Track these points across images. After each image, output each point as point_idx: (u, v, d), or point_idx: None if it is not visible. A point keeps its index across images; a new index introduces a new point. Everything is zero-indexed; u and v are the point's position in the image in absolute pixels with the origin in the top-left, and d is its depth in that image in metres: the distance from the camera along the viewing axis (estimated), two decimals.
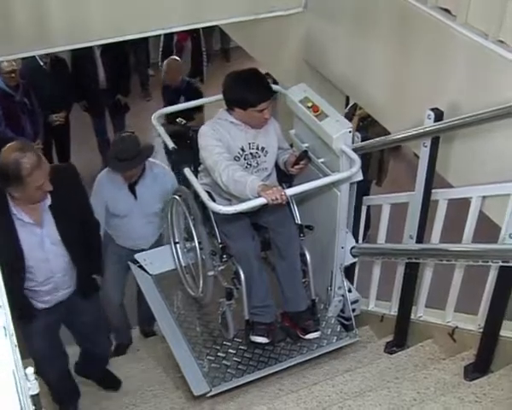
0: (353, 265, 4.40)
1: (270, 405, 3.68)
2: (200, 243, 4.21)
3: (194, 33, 9.35)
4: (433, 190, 3.71)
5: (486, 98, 3.27)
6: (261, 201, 3.57)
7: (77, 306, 3.94)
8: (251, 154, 3.97)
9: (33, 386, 1.47)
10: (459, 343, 3.79)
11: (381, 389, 3.59)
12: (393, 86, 3.98)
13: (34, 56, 6.74)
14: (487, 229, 3.53)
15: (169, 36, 9.23)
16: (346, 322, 4.40)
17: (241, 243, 4.00)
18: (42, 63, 7.18)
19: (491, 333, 3.44)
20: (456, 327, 3.82)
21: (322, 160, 4.03)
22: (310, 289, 4.20)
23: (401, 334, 4.10)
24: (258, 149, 3.99)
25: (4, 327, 1.32)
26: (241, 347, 4.25)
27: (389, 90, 4.04)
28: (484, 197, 3.49)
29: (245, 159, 3.96)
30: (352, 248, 4.25)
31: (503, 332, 3.46)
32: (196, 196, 4.07)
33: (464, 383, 3.47)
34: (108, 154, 4.82)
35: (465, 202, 3.62)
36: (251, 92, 3.81)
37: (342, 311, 4.42)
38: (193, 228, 4.24)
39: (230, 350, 4.25)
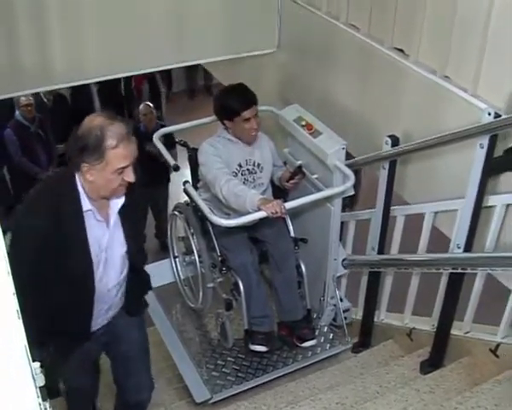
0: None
1: (250, 399, 3.80)
2: (199, 256, 4.16)
3: (150, 75, 8.96)
4: (392, 207, 3.85)
5: (436, 126, 3.41)
6: (262, 214, 3.51)
7: (123, 327, 3.08)
8: (248, 170, 3.93)
9: (39, 379, 1.40)
10: (416, 342, 3.93)
11: (348, 383, 3.70)
12: (356, 116, 4.09)
13: (38, 93, 6.86)
14: (442, 240, 3.66)
15: (128, 80, 9.02)
16: (337, 330, 4.36)
17: (240, 255, 3.94)
18: (45, 100, 7.33)
19: (443, 332, 3.58)
20: (414, 328, 3.96)
21: (315, 175, 4.02)
22: (305, 299, 4.16)
23: (366, 335, 4.21)
24: (254, 165, 3.95)
25: (17, 310, 1.31)
26: (239, 355, 4.20)
27: (353, 119, 4.15)
28: (435, 213, 3.65)
29: (242, 174, 3.91)
30: (344, 259, 4.22)
31: (453, 331, 3.60)
32: (196, 210, 4.04)
33: (420, 377, 3.60)
34: None
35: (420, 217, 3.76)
36: (233, 100, 3.78)
37: (334, 319, 4.40)
38: (192, 242, 4.19)
39: (229, 358, 4.19)
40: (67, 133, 6.96)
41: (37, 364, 1.41)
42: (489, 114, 3.02)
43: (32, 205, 2.66)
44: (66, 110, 7.70)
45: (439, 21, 3.42)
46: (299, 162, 4.05)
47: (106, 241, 2.74)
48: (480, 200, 3.22)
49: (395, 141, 3.59)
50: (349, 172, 3.74)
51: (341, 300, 4.33)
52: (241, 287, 3.90)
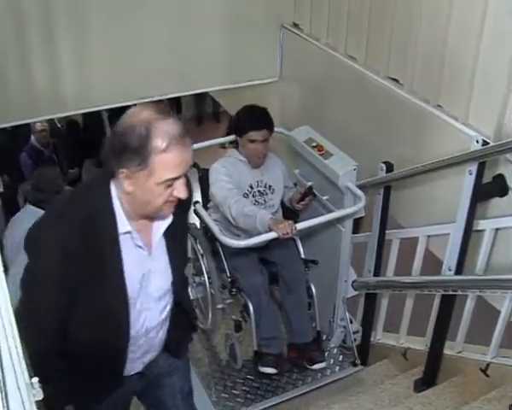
0: None
1: None
2: (209, 277, 4.07)
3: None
4: (387, 231, 3.90)
5: (429, 152, 3.47)
6: (272, 235, 3.44)
7: (163, 370, 2.52)
8: (259, 191, 3.86)
9: (38, 393, 1.34)
10: (410, 361, 3.95)
11: (344, 401, 3.71)
12: (354, 142, 4.11)
13: (53, 119, 6.97)
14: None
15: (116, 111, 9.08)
16: (347, 352, 4.27)
17: (250, 277, 3.83)
18: (59, 125, 7.45)
19: (436, 352, 3.62)
20: (408, 348, 3.99)
21: (326, 197, 3.95)
22: (315, 321, 4.05)
23: (362, 355, 4.23)
24: (265, 186, 3.88)
25: None
26: (248, 376, 4.10)
27: (351, 146, 4.12)
28: (429, 236, 3.70)
29: (253, 196, 3.84)
30: (354, 281, 4.13)
31: (446, 351, 3.63)
32: (206, 231, 3.98)
33: (414, 395, 3.62)
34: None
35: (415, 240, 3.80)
36: (245, 118, 3.76)
37: (344, 341, 4.31)
38: (202, 263, 4.10)
39: (238, 380, 4.10)
40: (80, 158, 6.93)
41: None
42: (477, 142, 3.08)
43: (57, 217, 2.04)
44: (78, 136, 7.81)
45: (432, 54, 3.48)
46: (309, 183, 3.97)
47: (147, 272, 2.16)
48: (470, 224, 3.26)
49: (390, 167, 3.65)
50: (360, 193, 3.70)
51: (351, 321, 4.23)
52: (251, 308, 3.80)
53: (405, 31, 3.63)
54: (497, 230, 3.27)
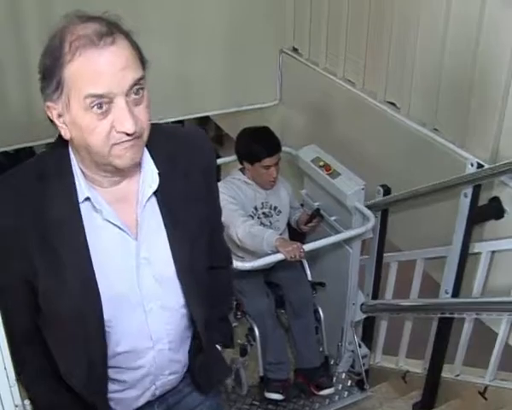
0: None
1: None
2: None
3: None
4: (385, 254, 3.91)
5: (425, 176, 3.48)
6: (279, 256, 3.36)
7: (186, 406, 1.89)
8: (264, 213, 3.76)
9: None
10: (410, 384, 3.93)
11: None
12: (353, 165, 4.03)
13: None
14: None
15: None
16: (356, 377, 4.16)
17: (256, 300, 3.73)
18: None
19: (434, 375, 3.60)
20: (408, 371, 3.97)
21: (334, 217, 3.86)
22: (323, 346, 3.99)
23: (362, 378, 4.18)
24: (270, 208, 3.79)
25: None
26: (254, 402, 3.96)
27: (350, 168, 4.02)
28: (426, 259, 3.71)
29: (258, 218, 3.74)
30: (362, 304, 4.01)
31: (444, 374, 3.62)
32: None
33: None
34: None
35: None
36: (257, 145, 3.63)
37: (352, 366, 4.20)
38: None
39: (244, 406, 3.95)
40: None
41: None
42: (471, 165, 3.10)
43: None
44: None
45: (428, 78, 3.52)
46: (316, 205, 3.93)
47: (132, 262, 1.58)
48: (466, 247, 3.27)
49: (387, 190, 3.66)
50: (369, 213, 3.62)
51: (359, 346, 4.11)
52: (257, 333, 3.71)
53: (402, 56, 3.68)
54: (493, 252, 3.27)
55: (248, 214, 3.69)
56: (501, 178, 3.09)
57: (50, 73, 1.40)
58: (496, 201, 3.18)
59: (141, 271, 1.59)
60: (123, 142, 1.43)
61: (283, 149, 3.91)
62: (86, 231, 1.52)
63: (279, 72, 4.87)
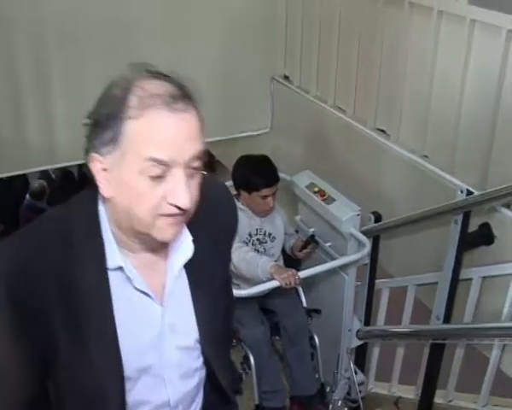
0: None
1: None
2: None
3: None
4: (377, 281, 3.92)
5: (416, 202, 3.52)
6: (274, 284, 3.31)
7: None
8: (258, 240, 3.69)
9: None
10: None
11: None
12: (343, 192, 4.06)
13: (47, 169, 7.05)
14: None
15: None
16: (352, 404, 4.02)
17: (251, 328, 3.63)
18: (53, 175, 7.51)
19: (427, 401, 3.59)
20: (400, 397, 3.95)
21: (329, 243, 3.80)
22: (319, 373, 3.91)
23: (359, 405, 4.16)
24: (265, 234, 3.71)
25: None
26: None
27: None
28: (417, 285, 3.73)
29: (252, 244, 3.66)
30: (358, 331, 3.93)
31: (437, 399, 3.60)
32: None
33: None
34: None
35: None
36: (256, 175, 3.54)
37: (348, 393, 4.06)
38: None
39: None
40: None
41: None
42: (461, 192, 3.13)
43: (8, 241, 1.36)
44: (73, 186, 7.86)
45: (417, 105, 3.57)
46: (311, 231, 3.88)
47: (156, 330, 1.46)
48: (457, 273, 3.29)
49: (378, 217, 3.68)
50: (364, 239, 3.58)
51: (356, 372, 4.03)
52: (252, 361, 3.63)
53: (391, 84, 3.73)
54: (484, 278, 3.30)
55: (243, 241, 3.63)
56: (490, 204, 3.12)
57: (106, 124, 1.26)
58: (486, 227, 3.21)
59: (164, 339, 1.48)
60: (171, 215, 1.29)
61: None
62: (113, 301, 1.37)
63: (270, 99, 4.92)
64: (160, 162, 1.24)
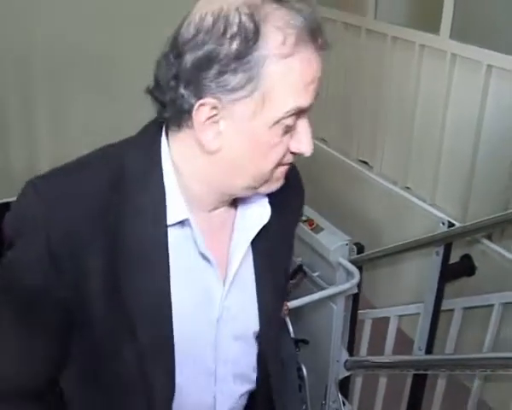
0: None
1: None
2: None
3: None
4: (359, 311, 3.92)
5: (398, 233, 3.57)
6: None
7: None
8: None
9: None
10: None
11: None
12: (326, 223, 4.17)
13: None
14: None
15: None
16: None
17: None
18: None
19: None
20: None
21: (317, 273, 3.70)
22: (306, 404, 3.74)
23: None
24: None
25: None
26: None
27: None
28: (400, 316, 3.74)
29: None
30: (346, 361, 3.80)
31: None
32: None
33: None
34: None
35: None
36: None
37: None
38: None
39: None
40: None
41: None
42: (443, 224, 3.17)
43: (59, 179, 1.14)
44: None
45: (399, 138, 3.62)
46: (299, 261, 3.80)
47: (215, 313, 1.20)
48: (439, 304, 3.31)
49: (360, 248, 3.69)
50: (353, 268, 3.48)
51: (344, 403, 3.89)
52: None
53: (374, 116, 3.78)
54: (465, 309, 3.33)
55: None
56: (472, 236, 3.16)
57: (236, 62, 0.99)
58: (467, 258, 3.25)
59: (221, 325, 1.20)
60: (288, 164, 1.13)
61: None
62: (171, 268, 1.11)
63: None
64: (300, 110, 1.04)
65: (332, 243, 3.61)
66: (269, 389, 1.34)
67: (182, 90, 1.03)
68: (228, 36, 0.99)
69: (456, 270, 3.30)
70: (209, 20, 1.00)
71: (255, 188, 1.12)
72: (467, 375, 3.35)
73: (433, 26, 3.47)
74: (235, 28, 0.99)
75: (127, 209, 1.09)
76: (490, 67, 3.14)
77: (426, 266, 3.36)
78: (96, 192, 1.09)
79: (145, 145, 1.14)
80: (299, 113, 1.04)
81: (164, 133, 1.13)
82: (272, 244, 1.24)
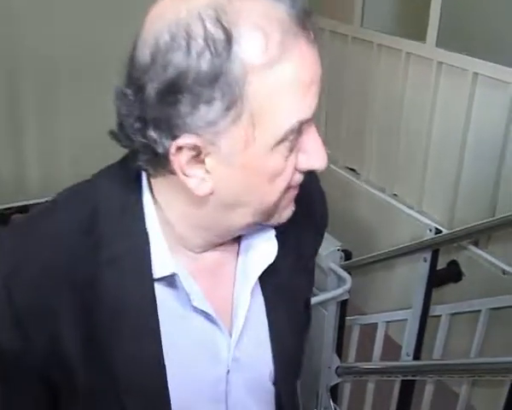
0: None
1: None
2: None
3: None
4: (347, 318, 3.94)
5: (386, 240, 3.60)
6: None
7: None
8: None
9: None
10: None
11: None
12: None
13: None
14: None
15: None
16: None
17: None
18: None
19: None
20: None
21: None
22: None
23: None
24: None
25: None
26: None
27: None
28: (387, 322, 3.76)
29: None
30: (337, 367, 3.72)
31: None
32: None
33: None
34: None
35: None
36: None
37: None
38: None
39: None
40: None
41: None
42: (430, 231, 3.20)
43: (16, 232, 0.97)
44: None
45: (386, 145, 3.65)
46: None
47: (221, 370, 1.01)
48: (426, 310, 3.33)
49: (348, 255, 3.71)
50: (345, 274, 3.43)
51: None
52: None
53: (361, 123, 3.81)
54: (453, 315, 3.35)
55: None
56: (458, 242, 3.19)
57: (211, 88, 0.79)
58: (454, 264, 3.28)
59: (230, 379, 1.02)
60: (296, 186, 0.93)
61: None
62: (162, 328, 0.94)
63: None
64: (303, 122, 0.85)
65: (323, 248, 3.56)
66: None
67: (151, 133, 0.84)
68: (193, 53, 0.78)
69: (443, 276, 3.32)
70: (165, 36, 0.80)
71: (262, 223, 0.95)
72: (455, 380, 3.37)
73: (419, 34, 3.50)
74: (200, 41, 0.78)
75: (103, 256, 0.90)
76: (476, 74, 3.18)
77: (413, 273, 3.38)
78: (65, 238, 0.91)
79: (123, 179, 0.95)
80: (303, 124, 0.85)
81: (143, 176, 0.95)
82: (285, 278, 1.05)
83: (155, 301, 0.92)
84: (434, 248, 3.22)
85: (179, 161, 0.84)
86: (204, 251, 0.98)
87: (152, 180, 0.93)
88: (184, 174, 0.85)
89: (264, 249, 0.99)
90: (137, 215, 0.93)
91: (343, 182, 3.94)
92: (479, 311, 3.21)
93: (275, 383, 1.10)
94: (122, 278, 0.90)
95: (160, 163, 0.86)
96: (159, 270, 0.92)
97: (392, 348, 3.81)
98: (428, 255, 3.24)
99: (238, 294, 1.00)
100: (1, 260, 0.92)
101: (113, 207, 0.93)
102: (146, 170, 0.92)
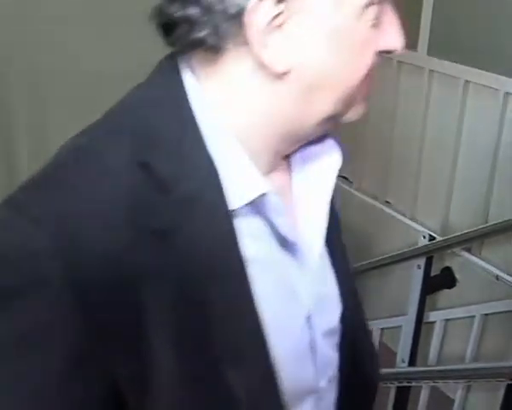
0: None
1: None
2: None
3: None
4: None
5: (379, 247, 3.63)
6: None
7: None
8: None
9: None
10: None
11: None
12: None
13: None
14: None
15: None
16: None
17: None
18: None
19: None
20: None
21: None
22: None
23: None
24: None
25: None
26: None
27: None
28: (382, 329, 3.78)
29: None
30: None
31: None
32: None
33: None
34: None
35: None
36: None
37: None
38: None
39: None
40: None
41: None
42: (424, 237, 3.22)
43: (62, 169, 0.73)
44: None
45: (379, 153, 3.67)
46: None
47: (305, 311, 0.82)
48: (421, 316, 3.36)
49: None
50: None
51: None
52: None
53: (353, 131, 3.82)
54: (447, 321, 3.38)
55: None
56: (452, 249, 3.21)
57: None
58: (448, 271, 3.31)
59: (313, 325, 0.84)
60: (372, 76, 0.82)
61: None
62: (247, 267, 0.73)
63: None
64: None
65: None
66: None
67: None
68: None
69: (437, 282, 3.35)
70: None
71: (336, 118, 0.79)
72: (450, 386, 3.39)
73: (410, 43, 3.53)
74: None
75: (169, 198, 0.68)
76: (467, 82, 3.22)
77: (407, 279, 3.40)
78: (120, 168, 0.68)
79: (167, 99, 0.73)
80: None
81: (186, 73, 0.74)
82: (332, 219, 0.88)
83: (236, 238, 0.71)
84: (428, 254, 3.25)
85: (257, 21, 0.66)
86: (270, 171, 0.80)
87: (204, 82, 0.73)
88: (260, 41, 0.68)
89: (323, 160, 0.84)
90: (195, 136, 0.71)
91: (336, 190, 3.95)
92: (473, 316, 3.24)
93: (343, 327, 0.93)
94: (197, 217, 0.69)
95: (228, 33, 0.68)
96: (239, 197, 0.71)
97: (387, 355, 3.82)
98: (422, 262, 3.26)
99: (308, 218, 0.83)
100: (37, 228, 0.64)
101: (167, 134, 0.71)
102: (190, 59, 0.74)
